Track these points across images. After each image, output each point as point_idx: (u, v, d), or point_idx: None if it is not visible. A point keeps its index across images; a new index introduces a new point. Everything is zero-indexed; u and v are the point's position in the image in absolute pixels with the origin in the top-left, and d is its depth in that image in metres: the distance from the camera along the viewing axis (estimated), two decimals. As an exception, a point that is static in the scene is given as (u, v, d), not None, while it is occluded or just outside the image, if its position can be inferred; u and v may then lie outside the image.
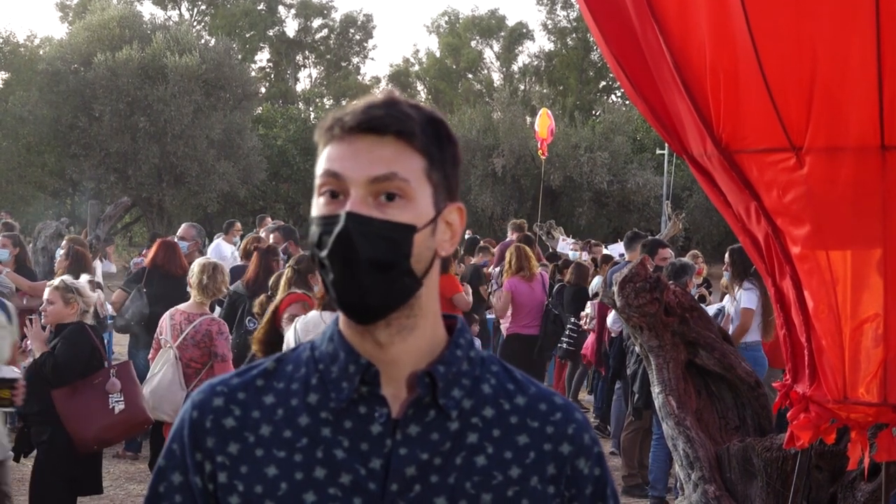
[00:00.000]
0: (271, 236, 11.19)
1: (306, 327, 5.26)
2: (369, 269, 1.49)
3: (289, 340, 5.36)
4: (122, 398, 6.14)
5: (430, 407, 1.55)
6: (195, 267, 7.43)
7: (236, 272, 9.64)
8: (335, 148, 1.53)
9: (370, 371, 1.55)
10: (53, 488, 5.97)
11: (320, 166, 1.54)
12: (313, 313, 5.42)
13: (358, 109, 1.52)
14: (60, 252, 10.82)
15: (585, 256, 15.19)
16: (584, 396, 12.85)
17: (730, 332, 8.21)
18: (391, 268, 1.50)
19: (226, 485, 1.54)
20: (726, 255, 8.96)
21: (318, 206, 1.53)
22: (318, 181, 1.54)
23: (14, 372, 5.07)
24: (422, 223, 1.52)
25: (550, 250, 17.68)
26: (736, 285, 8.71)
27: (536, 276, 10.91)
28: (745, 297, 8.52)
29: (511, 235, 15.16)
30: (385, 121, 1.51)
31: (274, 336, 5.57)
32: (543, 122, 21.96)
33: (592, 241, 17.81)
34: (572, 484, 1.60)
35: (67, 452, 5.92)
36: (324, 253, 1.50)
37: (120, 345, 12.54)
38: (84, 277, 6.65)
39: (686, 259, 9.68)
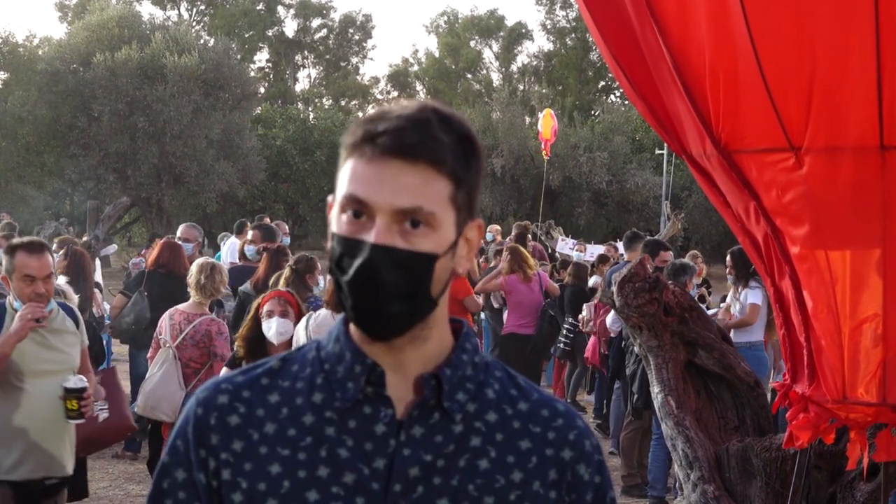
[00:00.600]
0: (250, 233, 11.09)
1: (318, 328, 5.26)
2: (390, 299, 1.49)
3: (299, 338, 5.36)
4: (105, 405, 6.12)
5: (434, 409, 1.56)
6: (193, 267, 7.44)
7: (235, 273, 9.63)
8: (362, 167, 1.49)
9: (376, 371, 1.55)
10: None
11: (344, 185, 1.51)
12: (324, 312, 5.42)
13: (390, 129, 1.48)
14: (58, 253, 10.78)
15: (588, 255, 15.21)
16: (583, 397, 12.86)
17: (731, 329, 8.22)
18: (412, 297, 1.50)
19: (229, 482, 1.54)
20: (727, 258, 8.97)
21: (339, 224, 1.51)
22: (341, 199, 1.51)
23: (82, 381, 4.74)
24: (443, 249, 1.52)
25: (550, 250, 17.69)
26: (741, 286, 8.72)
27: (534, 276, 10.92)
28: (751, 295, 8.53)
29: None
30: (417, 150, 1.47)
31: (257, 333, 5.56)
32: (547, 123, 21.94)
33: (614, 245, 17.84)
34: (573, 489, 1.61)
35: None
36: (346, 278, 1.49)
37: (118, 344, 12.53)
38: (62, 279, 6.62)
39: (686, 260, 9.69)
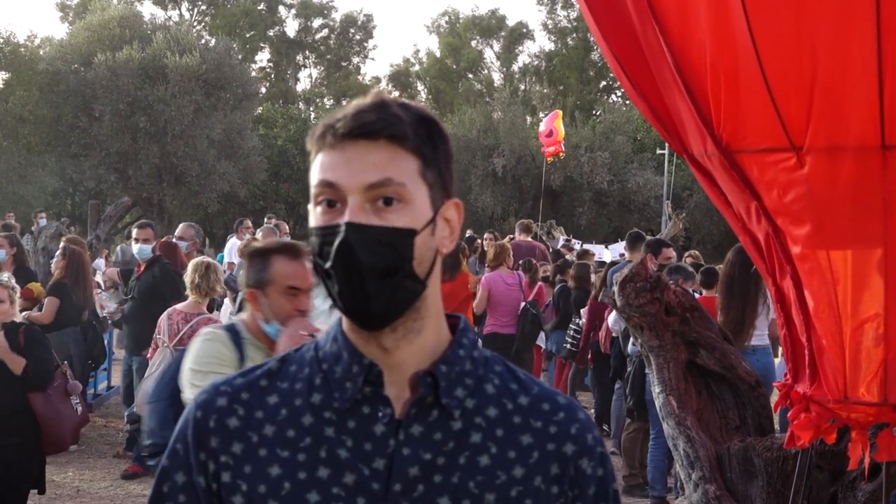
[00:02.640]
0: (134, 231, 10.55)
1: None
2: (373, 277, 1.48)
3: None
4: (78, 399, 6.23)
5: (432, 407, 1.55)
6: (189, 267, 7.45)
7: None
8: (328, 156, 1.52)
9: (373, 371, 1.55)
10: (17, 489, 6.01)
11: (314, 176, 1.53)
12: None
13: (348, 115, 1.51)
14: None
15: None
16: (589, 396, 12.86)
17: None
18: (395, 273, 1.50)
19: (229, 484, 1.54)
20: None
21: (316, 217, 1.53)
22: (313, 191, 1.53)
23: None
24: (421, 225, 1.52)
25: (552, 250, 17.71)
26: None
27: (513, 274, 10.88)
28: None
29: (518, 235, 15.20)
30: (377, 125, 1.50)
31: None
32: (560, 124, 22.14)
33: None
34: (575, 484, 1.60)
35: (33, 453, 5.97)
36: (327, 264, 1.50)
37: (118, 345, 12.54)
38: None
39: (683, 263, 9.67)
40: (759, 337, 7.81)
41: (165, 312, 7.26)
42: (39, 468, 6.17)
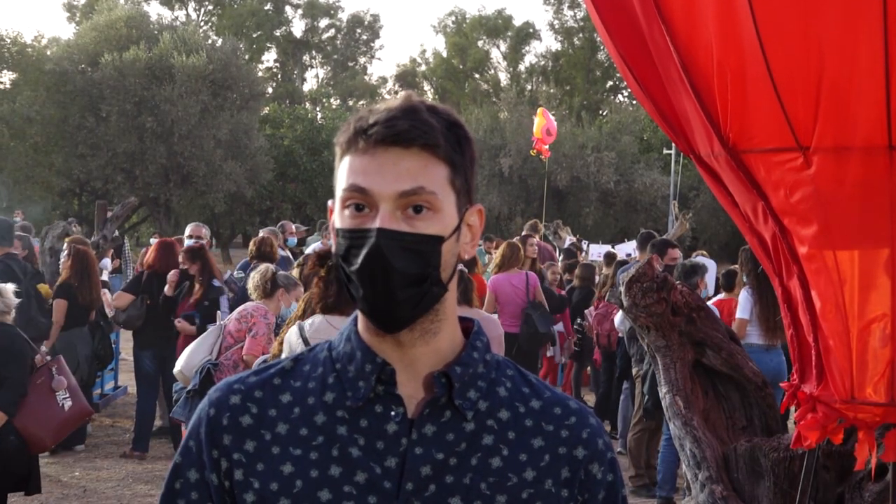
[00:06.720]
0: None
1: (316, 333, 5.22)
2: (403, 284, 1.49)
3: (292, 345, 5.31)
4: (67, 394, 6.18)
5: (445, 407, 1.56)
6: (255, 275, 7.72)
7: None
8: (359, 160, 1.52)
9: (386, 370, 1.56)
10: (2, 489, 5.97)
11: (344, 178, 1.52)
12: (318, 318, 5.37)
13: (381, 120, 1.50)
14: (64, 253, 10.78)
15: (595, 256, 15.19)
16: (592, 396, 12.86)
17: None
18: (423, 280, 1.51)
19: (242, 482, 1.55)
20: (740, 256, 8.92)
21: (343, 219, 1.53)
22: (342, 194, 1.53)
23: None
24: (448, 232, 1.54)
25: (559, 250, 17.70)
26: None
27: (521, 274, 10.88)
28: (738, 307, 8.45)
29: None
30: (411, 134, 1.50)
31: None
32: (539, 124, 22.30)
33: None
34: (585, 488, 1.61)
35: (18, 453, 5.91)
36: (353, 268, 1.51)
37: (124, 345, 12.55)
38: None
39: (697, 259, 9.66)
40: None
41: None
42: (28, 469, 6.09)
